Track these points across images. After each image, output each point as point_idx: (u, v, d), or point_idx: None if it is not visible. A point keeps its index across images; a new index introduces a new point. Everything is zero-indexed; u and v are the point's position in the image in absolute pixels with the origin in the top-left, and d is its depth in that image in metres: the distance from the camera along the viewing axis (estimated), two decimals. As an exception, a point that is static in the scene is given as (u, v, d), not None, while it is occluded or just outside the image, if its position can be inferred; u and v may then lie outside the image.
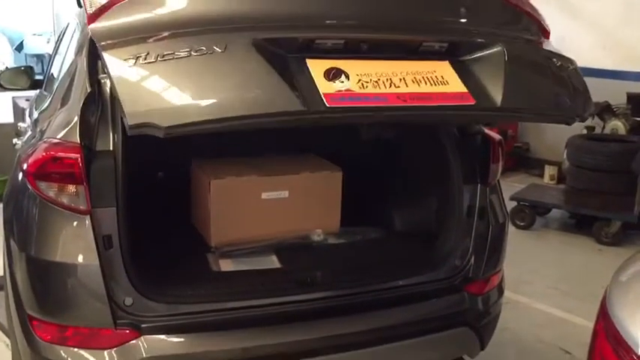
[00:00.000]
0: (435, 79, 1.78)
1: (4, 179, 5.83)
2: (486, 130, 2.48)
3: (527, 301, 3.99)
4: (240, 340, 2.00)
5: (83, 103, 1.98)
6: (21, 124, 3.33)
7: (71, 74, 2.21)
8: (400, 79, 1.74)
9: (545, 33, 2.15)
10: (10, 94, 6.33)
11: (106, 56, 1.60)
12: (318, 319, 2.11)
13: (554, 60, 2.02)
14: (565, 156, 6.08)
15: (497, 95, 1.82)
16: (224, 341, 1.99)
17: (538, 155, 7.43)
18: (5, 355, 3.13)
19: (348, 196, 2.62)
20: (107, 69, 1.58)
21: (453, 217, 2.39)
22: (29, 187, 1.96)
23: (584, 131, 6.31)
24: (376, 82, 1.72)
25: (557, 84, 2.01)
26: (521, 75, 1.92)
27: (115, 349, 1.93)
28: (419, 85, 1.75)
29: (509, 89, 1.82)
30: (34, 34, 12.23)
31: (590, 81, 2.03)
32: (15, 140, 3.22)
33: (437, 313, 2.29)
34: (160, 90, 1.58)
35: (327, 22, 1.81)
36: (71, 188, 1.90)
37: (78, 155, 1.88)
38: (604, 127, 6.31)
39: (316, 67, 1.71)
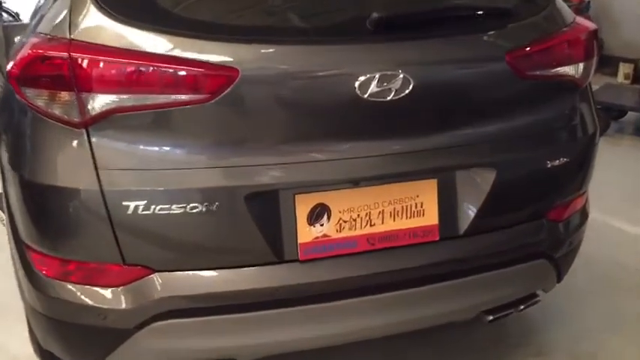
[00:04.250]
0: (412, 209, 1.78)
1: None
2: (578, 18, 1.98)
3: (599, 217, 3.53)
4: (266, 280, 1.69)
5: None
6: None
7: None
8: (379, 213, 1.75)
9: None
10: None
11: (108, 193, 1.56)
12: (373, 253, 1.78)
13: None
14: (644, 52, 5.44)
15: (462, 225, 1.83)
16: (248, 280, 1.68)
17: (612, 52, 6.73)
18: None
19: None
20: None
21: None
22: (16, 94, 1.62)
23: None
24: (354, 220, 1.74)
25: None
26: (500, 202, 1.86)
27: (125, 286, 1.65)
28: (394, 220, 1.77)
29: (477, 222, 1.83)
30: None
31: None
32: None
33: (511, 244, 1.92)
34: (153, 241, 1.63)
35: (322, 154, 1.68)
36: (63, 95, 1.55)
37: (68, 54, 1.52)
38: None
39: (303, 206, 1.69)
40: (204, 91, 1.56)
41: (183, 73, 1.55)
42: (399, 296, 1.80)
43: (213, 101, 1.56)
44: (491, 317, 2.02)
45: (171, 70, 1.54)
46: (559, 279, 2.12)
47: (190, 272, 1.66)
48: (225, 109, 1.58)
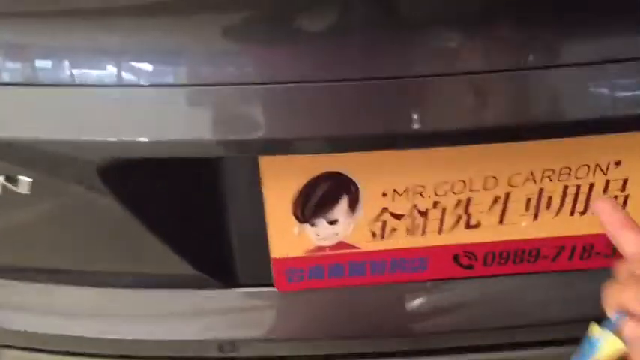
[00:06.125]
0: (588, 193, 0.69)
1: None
2: None
3: None
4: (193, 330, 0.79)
5: None
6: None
7: None
8: (494, 200, 0.68)
9: None
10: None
11: None
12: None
13: None
14: None
15: None
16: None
17: None
18: None
19: None
20: None
21: None
22: None
23: None
24: (424, 213, 0.69)
25: None
26: None
27: None
28: (536, 216, 0.70)
29: None
30: None
31: None
32: None
33: None
34: None
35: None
36: None
37: None
38: None
39: (281, 182, 0.67)
40: None
41: None
42: None
43: None
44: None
45: None
46: None
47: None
48: None
